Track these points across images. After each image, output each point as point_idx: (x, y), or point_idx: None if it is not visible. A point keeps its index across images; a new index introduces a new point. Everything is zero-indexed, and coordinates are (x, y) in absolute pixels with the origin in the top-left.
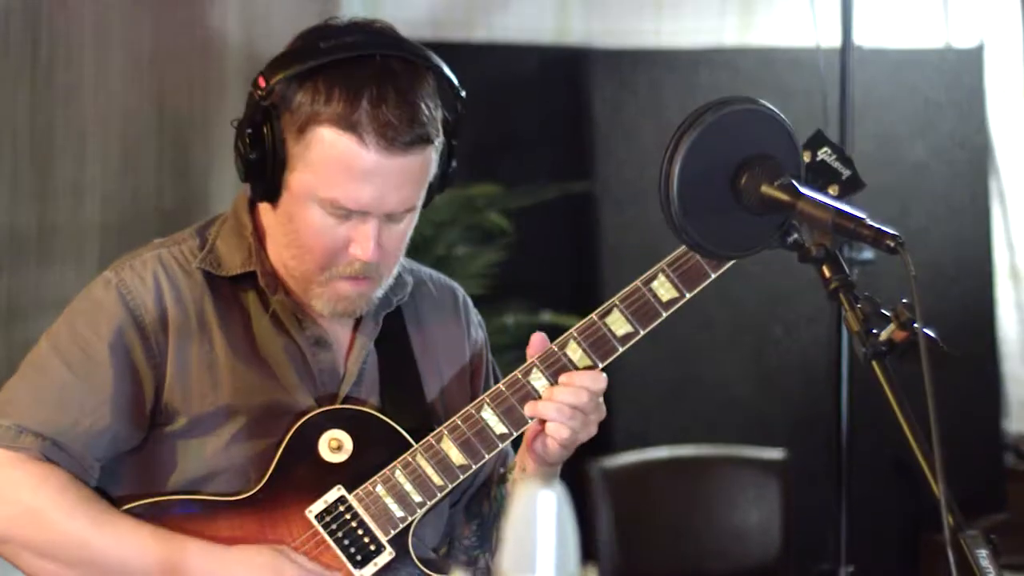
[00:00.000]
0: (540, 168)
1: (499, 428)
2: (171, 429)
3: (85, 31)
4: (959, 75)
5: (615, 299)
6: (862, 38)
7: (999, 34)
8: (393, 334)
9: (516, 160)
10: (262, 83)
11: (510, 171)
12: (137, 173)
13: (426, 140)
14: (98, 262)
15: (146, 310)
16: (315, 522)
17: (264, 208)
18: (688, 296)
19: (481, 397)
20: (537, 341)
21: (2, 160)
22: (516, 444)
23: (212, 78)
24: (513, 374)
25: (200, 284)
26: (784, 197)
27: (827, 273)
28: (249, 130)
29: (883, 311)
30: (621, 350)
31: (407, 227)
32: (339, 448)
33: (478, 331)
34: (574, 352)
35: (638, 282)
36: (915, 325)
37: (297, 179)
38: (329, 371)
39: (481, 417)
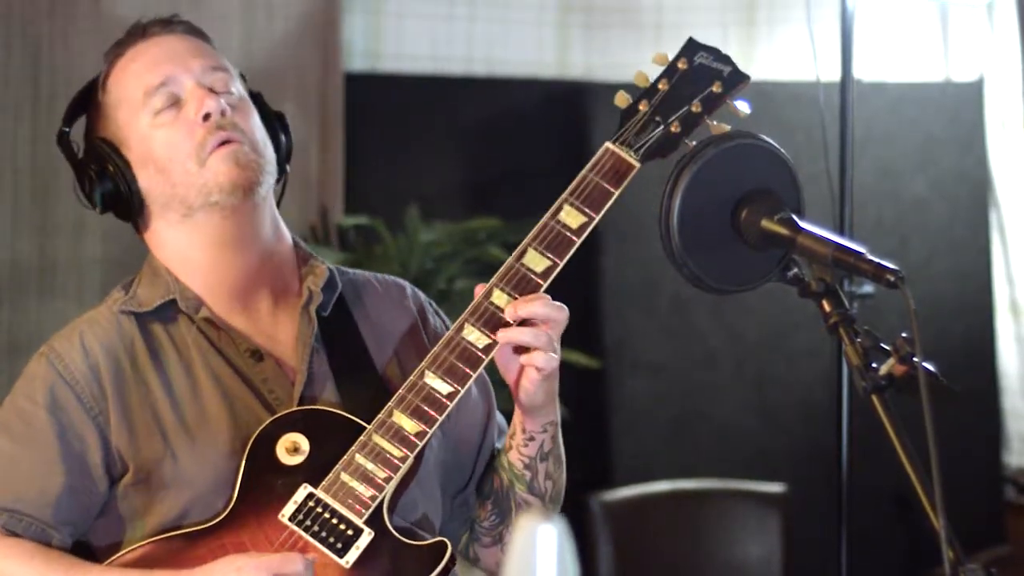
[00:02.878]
0: (541, 201)
1: (444, 388)
2: (128, 480)
3: (85, 65)
4: (959, 109)
5: (526, 240)
6: (862, 72)
7: (999, 68)
8: (339, 328)
9: (516, 193)
10: (63, 127)
11: (510, 204)
12: None
13: (198, 33)
14: (99, 296)
15: (75, 367)
16: (289, 523)
17: (153, 235)
18: (597, 218)
19: (421, 365)
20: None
21: (3, 194)
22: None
23: None
24: (447, 334)
25: (129, 330)
26: (784, 231)
27: (827, 307)
28: (80, 165)
29: (883, 345)
30: (545, 284)
31: (248, 110)
32: (296, 450)
33: (435, 318)
34: (500, 298)
35: (546, 217)
36: (915, 359)
37: (128, 133)
38: (275, 380)
39: (425, 383)
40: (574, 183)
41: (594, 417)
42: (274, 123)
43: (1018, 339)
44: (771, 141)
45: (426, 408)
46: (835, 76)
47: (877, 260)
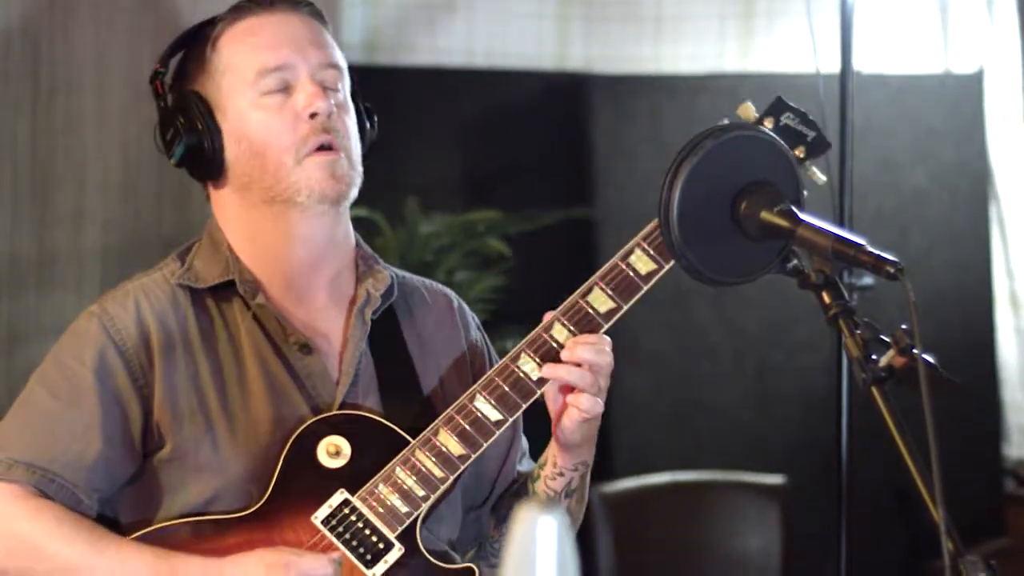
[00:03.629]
0: (540, 194)
1: (493, 415)
2: (163, 455)
3: (86, 59)
4: (959, 101)
5: (595, 277)
6: (862, 64)
7: (999, 60)
8: (387, 334)
9: (516, 185)
10: (158, 67)
11: (510, 196)
12: (137, 200)
13: (319, 15)
14: (99, 288)
15: (127, 335)
16: (322, 527)
17: (222, 201)
18: (666, 268)
19: (473, 387)
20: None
21: (3, 187)
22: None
23: None
24: (502, 361)
25: (182, 303)
26: (784, 223)
27: (827, 299)
28: (167, 111)
29: (883, 337)
30: (606, 326)
31: (349, 115)
32: (337, 453)
33: (476, 332)
34: (560, 333)
35: (616, 258)
36: (915, 351)
37: (228, 102)
38: (320, 376)
39: (475, 407)
40: (650, 227)
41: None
42: (363, 116)
43: (1017, 331)
44: (770, 133)
45: (473, 432)
46: (835, 68)
47: (877, 252)
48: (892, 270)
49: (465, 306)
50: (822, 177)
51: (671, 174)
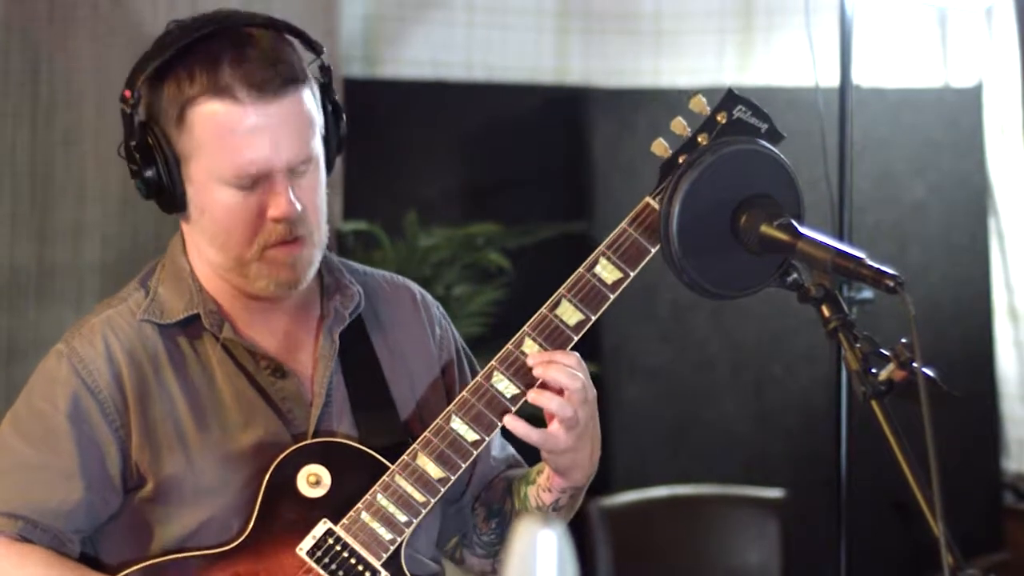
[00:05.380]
0: (539, 207)
1: (470, 436)
2: (145, 493)
3: (85, 71)
4: (958, 115)
5: (561, 289)
6: (861, 78)
7: (998, 74)
8: (355, 348)
9: (515, 199)
10: (127, 95)
11: (509, 210)
12: (136, 213)
13: (296, 80)
14: (98, 302)
15: (99, 375)
16: (307, 559)
17: (187, 231)
18: (632, 275)
19: (448, 408)
20: None
21: (2, 200)
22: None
23: None
24: (475, 380)
25: (151, 336)
26: (783, 237)
27: (826, 312)
28: (133, 144)
29: (882, 350)
30: (576, 339)
31: (315, 182)
32: (317, 483)
33: (442, 324)
34: (531, 347)
35: (581, 269)
36: (914, 364)
37: (195, 169)
38: (294, 399)
39: (451, 428)
40: (612, 236)
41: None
42: (332, 125)
43: (1017, 344)
44: (770, 146)
45: (451, 454)
46: (834, 81)
47: (876, 265)
48: (892, 284)
49: (428, 297)
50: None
51: (671, 188)
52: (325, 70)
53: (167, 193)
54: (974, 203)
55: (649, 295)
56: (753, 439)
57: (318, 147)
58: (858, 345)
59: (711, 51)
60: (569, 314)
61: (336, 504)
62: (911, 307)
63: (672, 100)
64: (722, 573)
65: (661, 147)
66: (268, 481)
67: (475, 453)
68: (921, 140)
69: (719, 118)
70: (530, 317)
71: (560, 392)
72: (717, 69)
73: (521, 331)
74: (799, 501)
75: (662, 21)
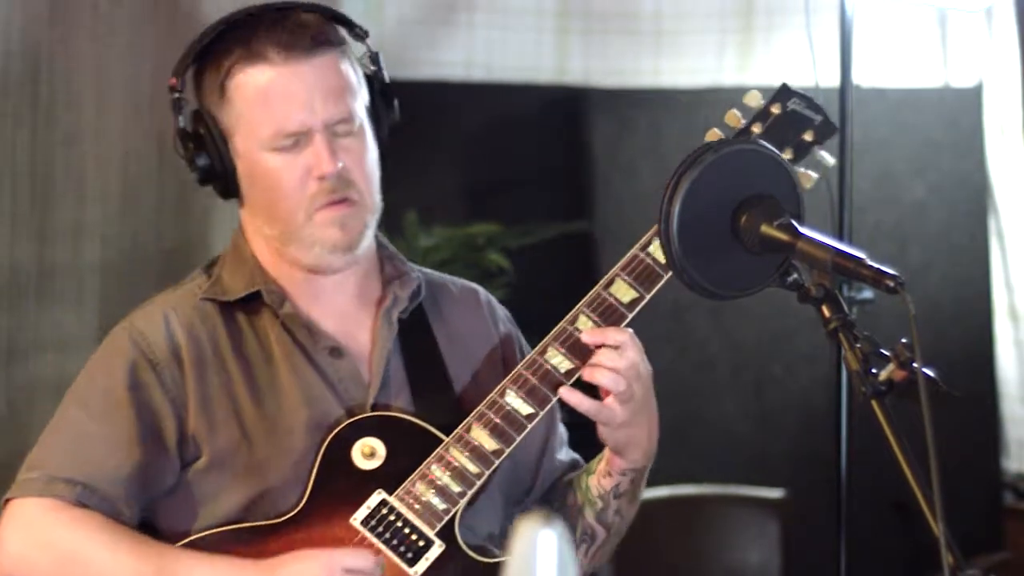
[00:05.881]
0: (539, 207)
1: (524, 409)
2: (200, 465)
3: (85, 72)
4: (958, 115)
5: (615, 268)
6: (861, 78)
7: (998, 74)
8: (416, 333)
9: (515, 199)
10: (174, 82)
11: (509, 210)
12: (137, 213)
13: (329, 43)
14: (98, 302)
15: (158, 348)
16: (361, 528)
17: (245, 216)
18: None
19: (503, 382)
20: None
21: (2, 200)
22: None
23: None
24: (530, 355)
25: (212, 316)
26: (784, 237)
27: (826, 312)
28: (182, 131)
29: (882, 350)
30: (630, 316)
31: (361, 145)
32: (372, 455)
33: (507, 325)
34: (584, 324)
35: (635, 248)
36: (914, 364)
37: (239, 142)
38: (351, 379)
39: (505, 401)
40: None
41: (592, 422)
42: (378, 106)
43: (1017, 344)
44: (770, 146)
45: (505, 427)
46: (834, 82)
47: (877, 265)
48: (892, 284)
49: (494, 300)
50: (831, 160)
51: (671, 188)
52: (373, 57)
53: (219, 174)
54: (974, 203)
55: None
56: (753, 439)
57: (360, 112)
58: (858, 345)
59: (711, 51)
60: (623, 292)
61: (390, 476)
62: (911, 307)
63: (672, 100)
64: (722, 573)
65: (715, 135)
66: (323, 454)
67: (528, 426)
68: (921, 140)
69: (773, 109)
70: (531, 317)
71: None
72: (717, 69)
73: (576, 308)
74: (799, 501)
75: (662, 21)
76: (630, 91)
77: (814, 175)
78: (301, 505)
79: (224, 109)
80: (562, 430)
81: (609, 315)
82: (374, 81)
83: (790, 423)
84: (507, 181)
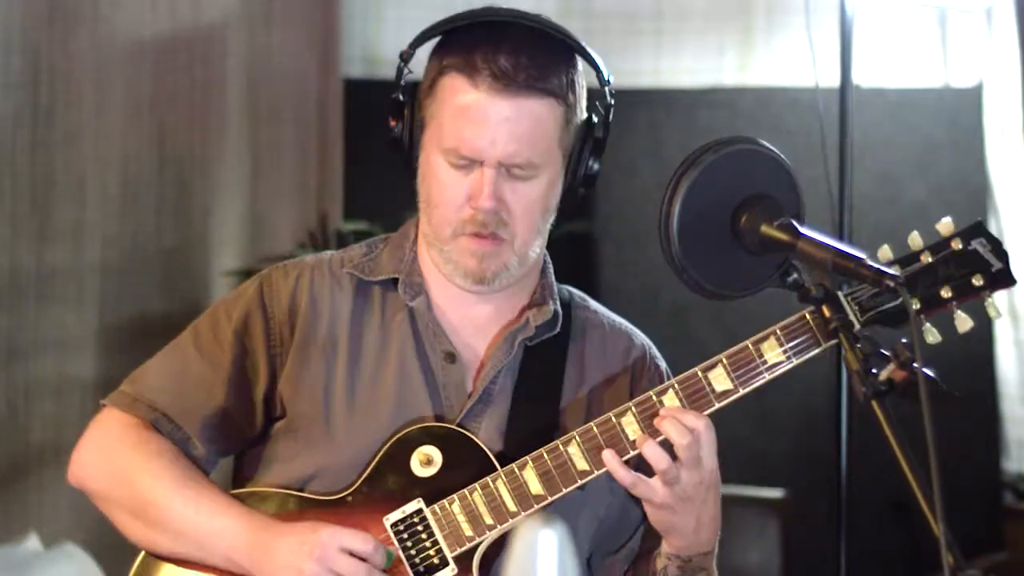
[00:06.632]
0: None
1: (581, 464)
2: (281, 425)
3: (86, 73)
4: (958, 115)
5: (722, 355)
6: (861, 78)
7: (998, 74)
8: (543, 364)
9: None
10: (406, 51)
11: None
12: (137, 214)
13: (543, 90)
14: (98, 302)
15: (278, 305)
16: (389, 529)
17: (421, 205)
18: (795, 363)
19: (572, 432)
20: None
21: (2, 201)
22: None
23: (212, 119)
24: (606, 415)
25: (347, 288)
26: (784, 237)
27: (827, 313)
28: (394, 100)
29: (883, 351)
30: (717, 406)
31: (535, 193)
32: (428, 463)
33: (652, 379)
34: (670, 400)
35: (748, 342)
36: (915, 365)
37: (428, 134)
38: (456, 386)
39: (566, 451)
40: (791, 320)
41: None
42: (582, 156)
43: (1017, 344)
44: (771, 147)
45: (556, 476)
46: (834, 82)
47: (877, 265)
48: (892, 283)
49: (652, 353)
50: (999, 313)
51: (671, 188)
52: (605, 105)
53: (404, 151)
54: (974, 203)
55: (649, 296)
56: (754, 439)
57: (547, 159)
58: (858, 345)
59: (711, 51)
60: (719, 380)
61: (437, 488)
62: (911, 307)
63: (672, 100)
64: (722, 573)
65: (885, 254)
66: (386, 449)
67: (580, 482)
68: (921, 140)
69: (954, 244)
70: None
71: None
72: (717, 69)
73: (669, 382)
74: (799, 501)
75: (662, 21)
76: (630, 91)
77: (970, 321)
78: (350, 491)
79: (429, 99)
80: None
81: (697, 399)
82: (591, 126)
83: (790, 423)
84: None
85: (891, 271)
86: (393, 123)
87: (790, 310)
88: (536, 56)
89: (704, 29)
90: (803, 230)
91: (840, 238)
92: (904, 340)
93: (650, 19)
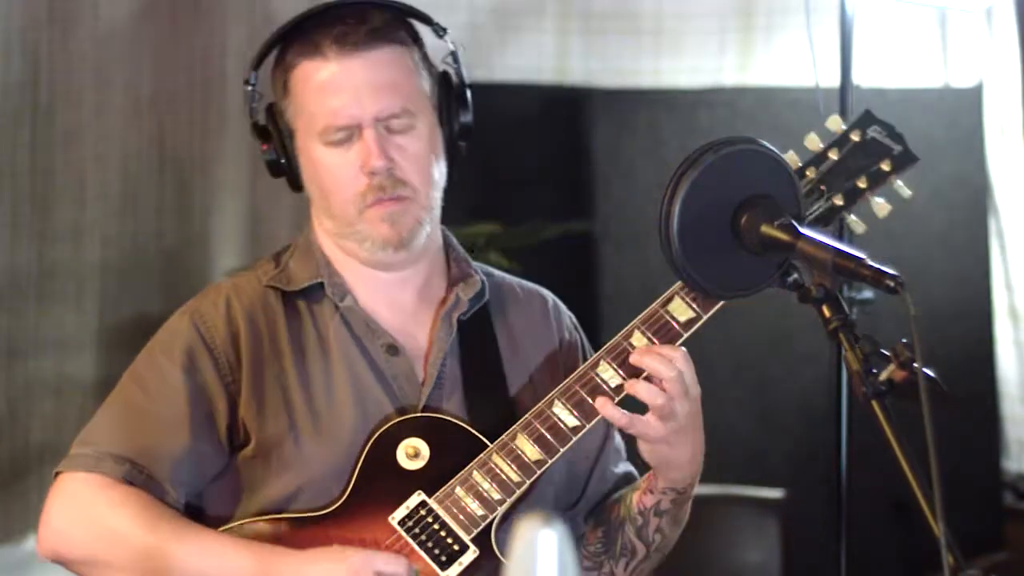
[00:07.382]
0: (540, 208)
1: (571, 421)
2: (248, 451)
3: (85, 72)
4: (958, 115)
5: (675, 287)
6: (861, 78)
7: (998, 74)
8: (477, 335)
9: (516, 199)
10: (248, 76)
11: (510, 210)
12: (137, 213)
13: (388, 39)
14: (98, 302)
15: (216, 332)
16: (398, 528)
17: (312, 208)
18: None
19: (551, 393)
20: None
21: (2, 200)
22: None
23: (212, 118)
24: (581, 368)
25: (273, 303)
26: (784, 237)
27: (827, 313)
28: (254, 125)
29: (883, 351)
30: (685, 335)
31: (417, 142)
32: (416, 455)
33: (572, 332)
34: (639, 341)
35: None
36: (915, 365)
37: (300, 137)
38: (406, 377)
39: (552, 412)
40: None
41: None
42: (449, 104)
43: (1017, 344)
44: (771, 146)
45: (550, 438)
46: (834, 82)
47: (877, 265)
48: (892, 284)
49: (561, 305)
50: (907, 191)
51: (671, 188)
52: (453, 55)
53: (285, 168)
54: (974, 203)
55: (649, 295)
56: (753, 439)
57: (418, 106)
58: (858, 345)
59: (711, 51)
60: (680, 311)
61: (432, 478)
62: (912, 307)
63: (672, 100)
64: (722, 573)
65: (793, 160)
66: (368, 451)
67: (574, 439)
68: (921, 140)
69: (853, 136)
70: None
71: (659, 383)
72: (717, 69)
73: (631, 324)
74: (799, 501)
75: (662, 21)
76: (630, 91)
77: (888, 206)
78: (342, 500)
79: (287, 103)
80: (619, 442)
81: (664, 333)
82: (448, 79)
83: (790, 423)
84: (507, 181)
85: (891, 271)
86: (264, 147)
87: (790, 310)
88: (371, 16)
89: (704, 29)
90: (803, 230)
91: (840, 238)
92: (905, 340)
93: (650, 19)
